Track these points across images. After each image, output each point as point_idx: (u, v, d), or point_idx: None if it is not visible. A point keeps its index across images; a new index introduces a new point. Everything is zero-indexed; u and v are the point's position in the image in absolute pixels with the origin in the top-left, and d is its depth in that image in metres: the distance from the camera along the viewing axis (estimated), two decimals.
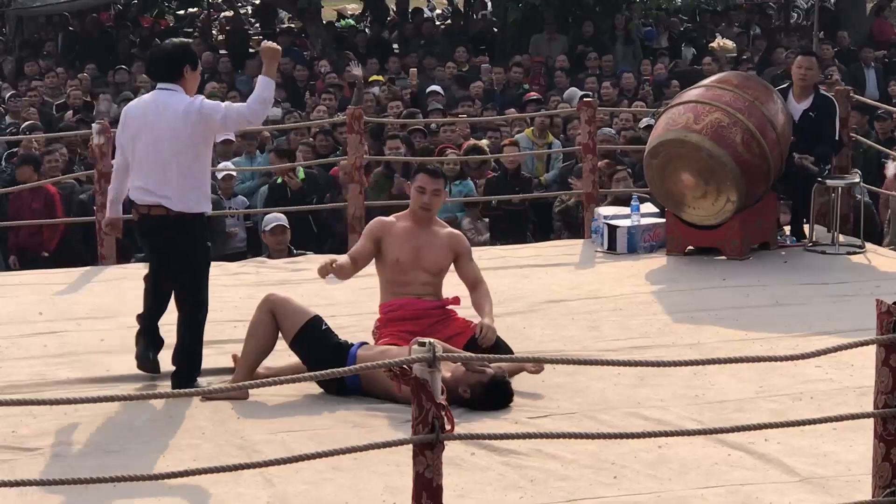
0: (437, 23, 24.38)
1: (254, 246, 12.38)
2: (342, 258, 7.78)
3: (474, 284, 7.75)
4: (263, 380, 5.68)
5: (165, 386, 7.25)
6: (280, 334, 7.32)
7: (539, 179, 13.68)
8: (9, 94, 17.44)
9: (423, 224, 7.69)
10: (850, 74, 18.76)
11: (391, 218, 7.80)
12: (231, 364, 7.49)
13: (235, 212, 12.41)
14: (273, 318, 7.28)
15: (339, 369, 5.38)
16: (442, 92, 16.96)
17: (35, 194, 11.94)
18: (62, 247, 12.10)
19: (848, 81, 16.94)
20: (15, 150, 13.21)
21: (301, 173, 12.75)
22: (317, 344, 7.20)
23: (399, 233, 7.65)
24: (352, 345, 7.25)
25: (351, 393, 7.16)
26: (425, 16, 25.80)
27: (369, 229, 7.76)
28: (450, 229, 7.86)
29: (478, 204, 12.71)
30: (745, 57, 20.08)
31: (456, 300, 7.72)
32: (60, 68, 19.46)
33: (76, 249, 12.07)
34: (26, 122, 15.04)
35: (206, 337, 8.16)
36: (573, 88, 17.40)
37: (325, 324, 7.33)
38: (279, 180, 12.75)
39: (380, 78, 18.38)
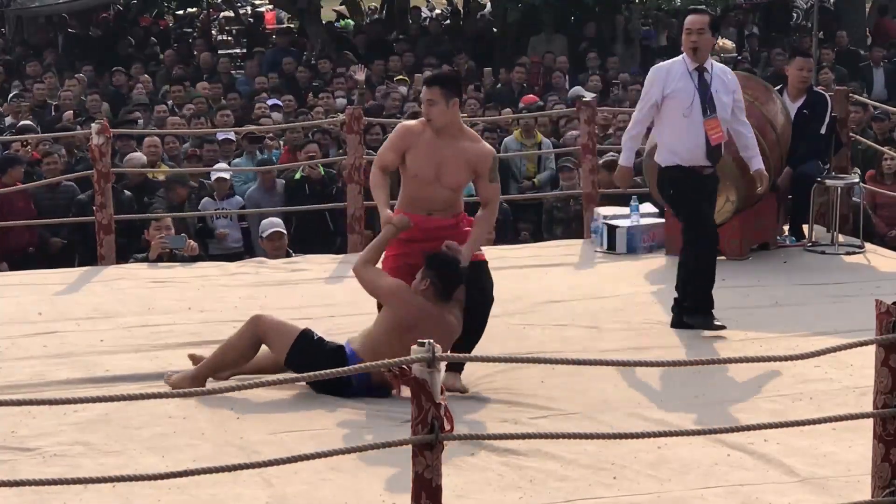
0: (427, 23, 24.34)
1: (252, 246, 12.37)
2: (386, 212, 7.43)
3: (484, 204, 7.59)
4: (263, 380, 5.68)
5: (164, 386, 7.25)
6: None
7: (534, 181, 13.67)
8: (10, 94, 17.44)
9: (447, 136, 7.40)
10: (857, 74, 18.74)
11: (418, 125, 7.51)
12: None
13: (231, 212, 12.35)
14: (257, 342, 7.23)
15: (340, 369, 5.38)
16: None
17: (19, 194, 11.90)
18: (41, 242, 12.11)
19: (848, 81, 16.93)
20: (11, 154, 13.16)
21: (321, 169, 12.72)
22: (312, 356, 7.11)
23: (423, 146, 7.39)
24: (343, 345, 7.23)
25: (358, 392, 7.13)
26: (423, 16, 25.78)
27: (395, 140, 7.48)
28: (479, 145, 7.51)
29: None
30: (741, 57, 20.07)
31: (470, 220, 7.53)
32: (53, 70, 19.43)
33: (70, 248, 12.07)
34: (21, 123, 15.02)
35: (205, 337, 8.20)
36: (577, 87, 17.43)
37: (316, 334, 7.28)
38: (297, 176, 12.68)
39: (405, 78, 18.39)
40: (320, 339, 7.27)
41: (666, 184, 8.55)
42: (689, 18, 8.35)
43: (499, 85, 18.79)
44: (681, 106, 8.21)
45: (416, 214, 7.40)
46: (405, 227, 7.35)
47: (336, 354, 7.14)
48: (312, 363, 6.80)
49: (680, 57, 8.30)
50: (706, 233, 8.28)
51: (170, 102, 16.25)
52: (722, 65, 8.55)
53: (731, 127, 8.41)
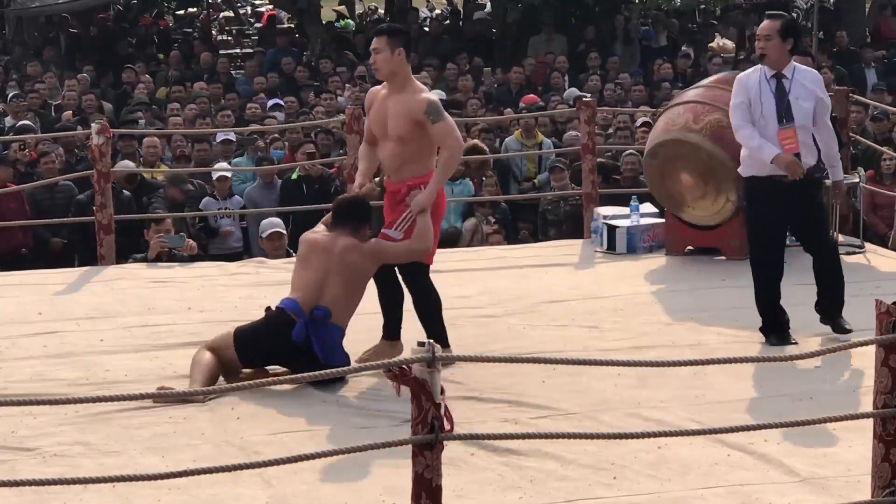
0: (427, 23, 24.37)
1: (250, 246, 12.36)
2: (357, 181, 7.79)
3: (440, 147, 7.62)
4: (264, 379, 5.68)
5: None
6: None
7: (534, 182, 13.68)
8: (10, 94, 17.44)
9: (394, 89, 7.62)
10: (850, 74, 18.74)
11: (379, 87, 7.81)
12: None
13: (232, 212, 12.36)
14: (214, 354, 7.34)
15: (340, 369, 5.38)
16: (445, 97, 16.94)
17: (10, 194, 11.89)
18: (37, 242, 12.10)
19: (848, 82, 16.93)
20: (7, 152, 13.15)
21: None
22: (258, 341, 7.31)
23: (377, 104, 7.70)
24: (278, 306, 7.38)
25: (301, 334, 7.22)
26: (422, 16, 25.79)
27: (365, 107, 7.83)
28: (417, 95, 7.52)
29: (483, 203, 12.73)
30: (741, 57, 20.07)
31: (422, 182, 7.56)
32: (53, 69, 19.43)
33: (70, 248, 12.07)
34: (20, 123, 15.01)
35: (205, 337, 8.19)
36: (572, 89, 17.42)
37: (250, 322, 7.49)
38: (294, 176, 12.68)
39: None
40: (256, 321, 7.45)
41: (745, 195, 8.43)
42: (761, 24, 8.19)
43: (496, 85, 18.78)
44: (757, 114, 8.04)
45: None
46: (371, 194, 7.65)
47: (278, 319, 7.30)
48: (263, 347, 7.24)
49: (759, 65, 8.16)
50: (756, 256, 8.25)
51: (176, 104, 16.24)
52: (808, 69, 8.22)
53: (815, 133, 8.14)
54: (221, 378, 7.38)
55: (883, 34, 22.26)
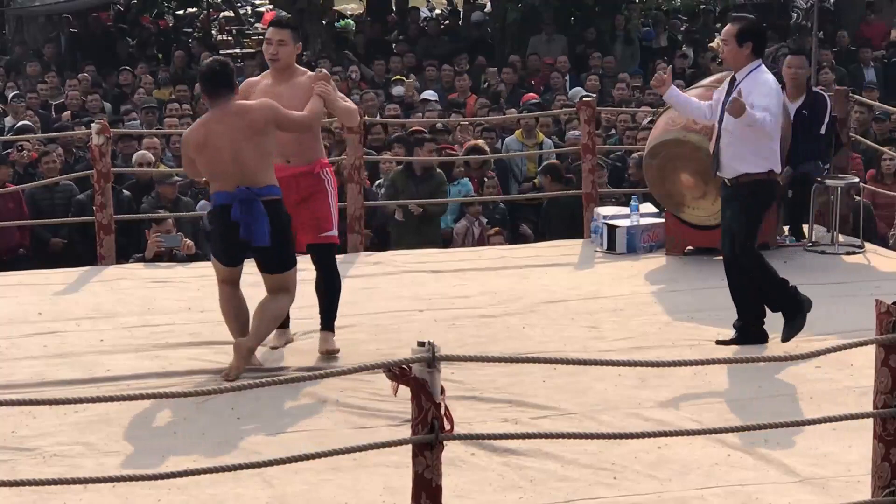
0: (427, 24, 24.33)
1: None
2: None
3: (334, 110, 7.85)
4: (263, 380, 5.67)
5: (164, 386, 7.25)
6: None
7: (534, 182, 13.68)
8: (11, 94, 17.44)
9: (283, 78, 7.79)
10: (849, 74, 18.74)
11: (257, 77, 7.97)
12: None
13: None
14: (235, 291, 7.75)
15: (341, 369, 5.37)
16: (436, 98, 16.96)
17: (8, 195, 11.88)
18: (35, 243, 12.10)
19: (847, 82, 16.93)
20: (9, 151, 13.15)
21: None
22: (214, 234, 7.72)
23: (261, 90, 7.78)
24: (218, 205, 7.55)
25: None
26: (422, 16, 25.77)
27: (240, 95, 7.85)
28: (309, 73, 7.90)
29: (472, 203, 12.72)
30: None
31: (329, 167, 7.93)
32: (53, 69, 19.43)
33: (70, 248, 12.06)
34: (19, 123, 15.01)
35: (205, 337, 8.21)
36: (577, 88, 17.43)
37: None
38: None
39: (402, 77, 18.38)
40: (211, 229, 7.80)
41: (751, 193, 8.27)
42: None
43: (502, 84, 18.79)
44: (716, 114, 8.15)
45: (276, 164, 7.65)
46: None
47: (222, 211, 7.48)
48: (219, 235, 7.62)
49: None
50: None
51: (175, 104, 16.23)
52: (764, 76, 8.03)
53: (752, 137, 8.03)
54: (221, 378, 7.39)
55: (865, 35, 22.17)
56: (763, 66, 8.11)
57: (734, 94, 7.89)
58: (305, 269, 8.13)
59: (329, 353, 7.79)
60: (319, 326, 7.93)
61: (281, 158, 7.69)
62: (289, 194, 7.66)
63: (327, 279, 7.92)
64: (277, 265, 7.57)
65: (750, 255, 8.10)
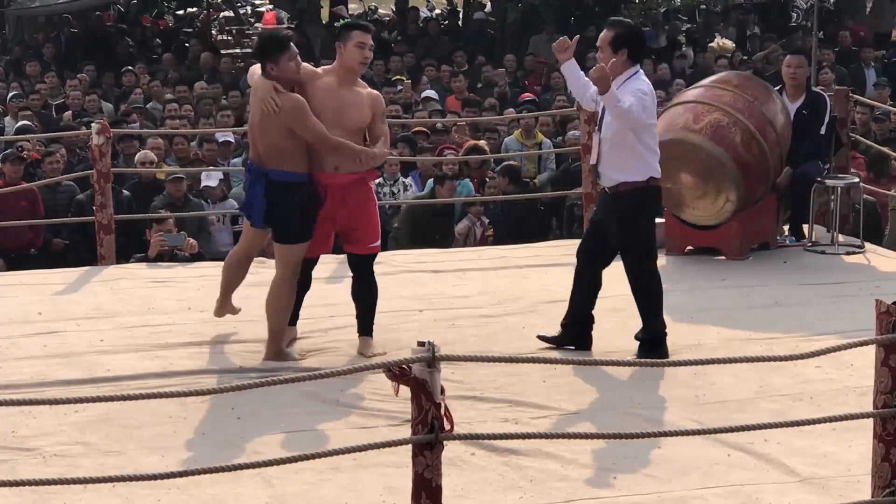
0: (427, 24, 24.34)
1: None
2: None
3: (376, 139, 7.82)
4: (263, 380, 5.67)
5: (164, 386, 7.25)
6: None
7: (534, 182, 13.68)
8: (11, 94, 17.44)
9: (349, 83, 7.77)
10: (850, 74, 18.73)
11: (318, 69, 7.93)
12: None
13: (226, 211, 12.32)
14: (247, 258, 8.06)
15: (341, 369, 5.38)
16: (437, 97, 16.96)
17: (21, 193, 11.88)
18: (45, 243, 12.11)
19: (848, 82, 16.93)
20: (9, 150, 13.15)
21: None
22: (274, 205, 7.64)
23: (323, 87, 7.73)
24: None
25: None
26: (422, 16, 25.80)
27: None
28: (369, 89, 7.94)
29: (473, 203, 12.72)
30: (744, 57, 20.07)
31: (377, 175, 8.02)
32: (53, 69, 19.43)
33: (70, 248, 12.07)
34: (19, 123, 15.01)
35: (205, 337, 8.21)
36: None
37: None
38: None
39: (402, 77, 18.39)
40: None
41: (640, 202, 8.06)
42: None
43: (504, 87, 18.80)
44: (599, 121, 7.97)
45: (325, 172, 7.67)
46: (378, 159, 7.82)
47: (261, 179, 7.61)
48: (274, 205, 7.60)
49: None
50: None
51: (174, 105, 16.23)
52: (640, 83, 7.81)
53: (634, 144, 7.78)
54: (221, 377, 7.39)
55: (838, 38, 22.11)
56: (641, 72, 7.87)
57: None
58: (321, 276, 8.17)
59: (370, 357, 7.81)
60: (357, 332, 8.00)
61: (329, 166, 7.67)
62: (334, 202, 7.69)
63: (367, 287, 7.98)
64: (281, 235, 7.72)
65: (645, 274, 7.93)
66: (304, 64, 7.83)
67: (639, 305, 7.94)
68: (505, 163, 12.93)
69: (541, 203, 12.80)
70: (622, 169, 7.79)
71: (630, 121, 7.63)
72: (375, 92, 7.97)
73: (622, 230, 7.87)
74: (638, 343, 7.87)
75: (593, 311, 8.08)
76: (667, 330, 7.88)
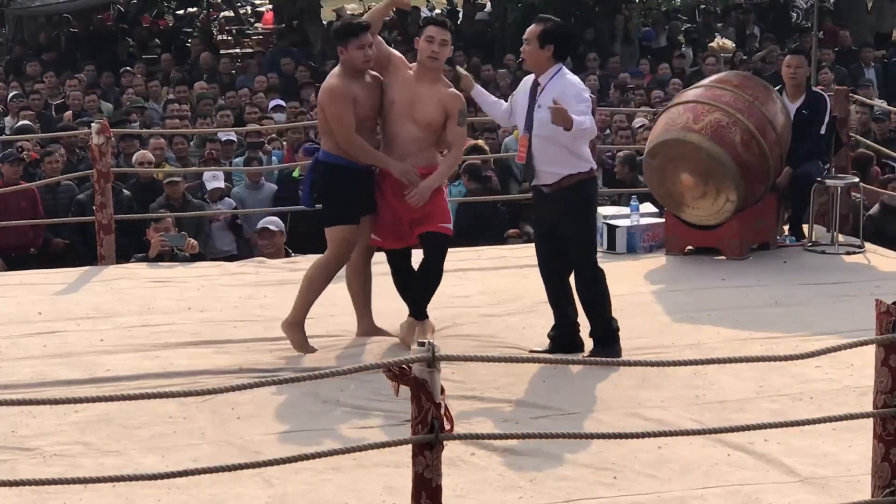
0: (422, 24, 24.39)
1: (245, 249, 12.33)
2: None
3: (449, 146, 7.86)
4: (263, 379, 5.67)
5: (163, 386, 7.25)
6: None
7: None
8: (11, 94, 17.44)
9: (429, 78, 7.79)
10: (850, 74, 18.74)
11: (404, 59, 7.98)
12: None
13: (226, 211, 12.32)
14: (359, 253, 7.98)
15: (341, 369, 5.37)
16: None
17: (21, 193, 11.88)
18: (45, 243, 12.12)
19: (847, 82, 16.93)
20: (8, 151, 13.15)
21: None
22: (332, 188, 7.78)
23: (402, 78, 7.82)
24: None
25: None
26: (422, 16, 25.78)
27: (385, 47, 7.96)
28: (452, 89, 7.90)
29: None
30: (744, 58, 20.07)
31: (431, 171, 7.82)
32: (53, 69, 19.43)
33: (70, 248, 12.07)
34: (18, 123, 15.01)
35: (205, 337, 8.21)
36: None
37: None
38: (295, 174, 12.66)
39: None
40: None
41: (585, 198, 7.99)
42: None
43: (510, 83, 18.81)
44: (516, 116, 7.92)
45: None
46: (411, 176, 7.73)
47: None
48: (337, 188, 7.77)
49: None
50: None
51: (175, 105, 16.23)
52: (570, 80, 7.67)
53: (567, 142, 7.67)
54: (221, 377, 7.39)
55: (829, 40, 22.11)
56: (564, 68, 7.80)
57: (549, 104, 7.45)
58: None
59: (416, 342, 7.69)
60: (408, 313, 8.00)
61: (397, 157, 7.74)
62: (397, 192, 7.74)
63: (435, 267, 7.91)
64: (322, 216, 7.86)
65: (595, 269, 7.88)
66: (395, 52, 7.97)
67: (587, 301, 7.88)
68: (467, 162, 12.89)
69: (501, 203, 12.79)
70: (563, 163, 7.71)
71: (591, 133, 7.73)
72: (455, 92, 7.88)
73: (580, 225, 7.80)
74: (593, 341, 7.85)
75: (576, 316, 7.98)
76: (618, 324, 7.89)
